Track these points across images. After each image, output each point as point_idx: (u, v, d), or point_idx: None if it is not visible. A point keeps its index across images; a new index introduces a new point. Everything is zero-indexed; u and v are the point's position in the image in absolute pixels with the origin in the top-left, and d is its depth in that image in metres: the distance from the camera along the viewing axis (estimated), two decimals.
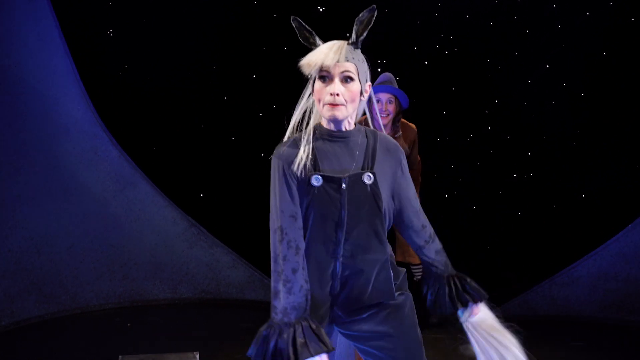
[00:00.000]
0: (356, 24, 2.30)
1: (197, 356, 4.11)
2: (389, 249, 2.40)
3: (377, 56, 6.01)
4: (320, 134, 2.32)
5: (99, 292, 5.70)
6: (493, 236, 6.35)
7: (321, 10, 6.16)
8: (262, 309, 5.36)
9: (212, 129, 6.31)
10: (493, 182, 6.38)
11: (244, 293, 5.92)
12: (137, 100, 6.11)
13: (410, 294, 2.48)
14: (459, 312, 2.51)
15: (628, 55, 5.93)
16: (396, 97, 4.51)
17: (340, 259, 2.30)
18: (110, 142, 5.72)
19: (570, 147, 6.18)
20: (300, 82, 2.39)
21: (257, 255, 6.07)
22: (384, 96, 4.48)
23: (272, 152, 2.31)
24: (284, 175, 2.26)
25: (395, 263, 2.45)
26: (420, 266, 4.88)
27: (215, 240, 5.94)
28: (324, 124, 2.34)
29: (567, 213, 6.21)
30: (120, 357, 4.08)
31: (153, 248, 5.85)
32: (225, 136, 6.35)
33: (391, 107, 4.48)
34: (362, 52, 2.35)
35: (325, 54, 2.25)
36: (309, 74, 2.30)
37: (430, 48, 6.31)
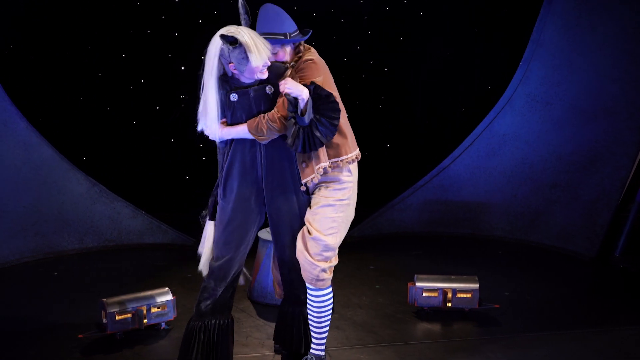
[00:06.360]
0: None
1: (169, 291, 4.82)
2: None
3: None
4: None
5: (15, 248, 6.39)
6: None
7: None
8: (161, 249, 6.57)
9: (103, 101, 7.27)
10: None
11: (143, 238, 6.96)
12: (38, 77, 6.89)
13: None
14: None
15: (419, 42, 7.99)
16: None
17: None
18: (18, 115, 6.36)
19: (377, 109, 8.20)
20: None
21: (154, 205, 7.21)
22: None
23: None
24: None
25: None
26: None
27: (116, 196, 6.83)
28: None
29: (378, 160, 8.19)
30: (104, 299, 4.62)
31: (60, 206, 6.65)
32: (113, 109, 7.34)
33: None
34: None
35: None
36: None
37: None
